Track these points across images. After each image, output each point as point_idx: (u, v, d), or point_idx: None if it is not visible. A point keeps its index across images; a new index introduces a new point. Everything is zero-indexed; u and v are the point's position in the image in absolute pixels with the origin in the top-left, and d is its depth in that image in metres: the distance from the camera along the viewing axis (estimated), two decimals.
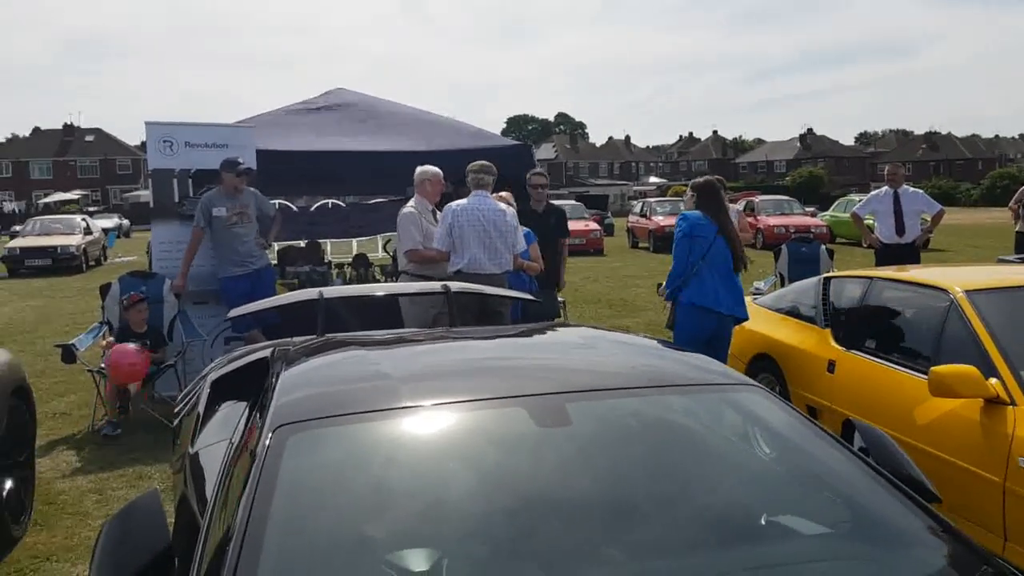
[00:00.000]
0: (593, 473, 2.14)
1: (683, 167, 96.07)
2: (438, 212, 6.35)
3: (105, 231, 26.11)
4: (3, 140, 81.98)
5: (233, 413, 2.96)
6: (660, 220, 23.65)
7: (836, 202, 27.63)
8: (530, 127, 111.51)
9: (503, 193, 6.41)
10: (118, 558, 1.89)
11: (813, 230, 21.26)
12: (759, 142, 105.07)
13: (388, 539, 1.90)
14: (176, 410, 3.82)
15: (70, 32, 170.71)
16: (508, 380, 2.47)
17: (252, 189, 6.92)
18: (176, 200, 7.08)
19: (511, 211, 5.95)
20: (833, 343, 4.93)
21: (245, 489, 1.93)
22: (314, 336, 3.43)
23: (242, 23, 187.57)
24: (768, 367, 5.40)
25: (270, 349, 3.19)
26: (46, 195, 58.12)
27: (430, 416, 2.18)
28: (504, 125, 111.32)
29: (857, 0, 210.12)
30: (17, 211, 50.82)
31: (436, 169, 6.33)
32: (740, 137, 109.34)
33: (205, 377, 3.69)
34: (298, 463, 2.05)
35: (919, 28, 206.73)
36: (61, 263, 20.74)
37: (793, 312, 5.56)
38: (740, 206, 16.34)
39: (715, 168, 71.69)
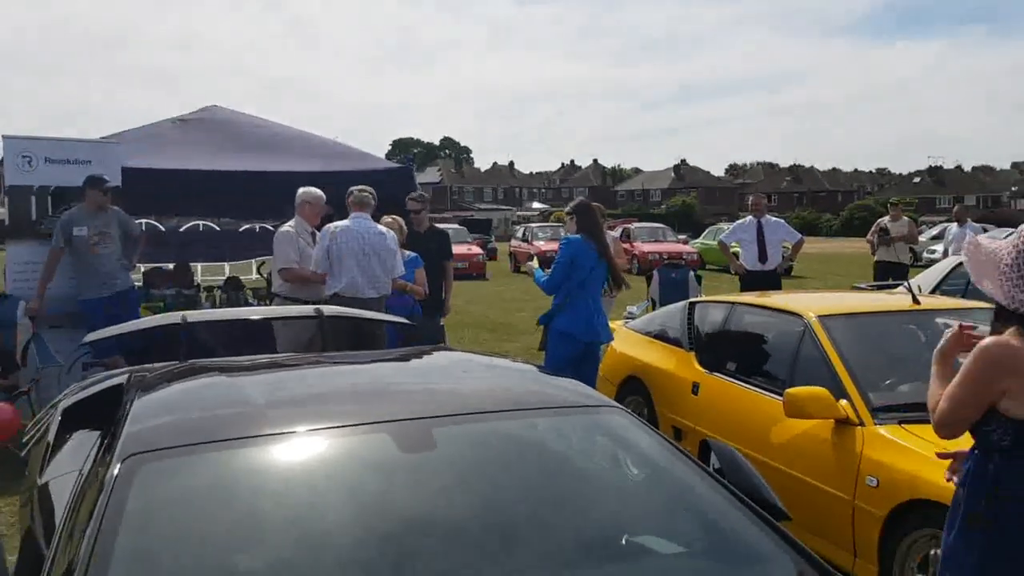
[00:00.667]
0: (459, 497, 2.15)
1: (565, 193, 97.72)
2: (317, 235, 6.28)
3: None
4: None
5: (84, 442, 2.82)
6: (542, 245, 24.12)
7: (707, 230, 28.81)
8: (415, 150, 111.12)
9: (393, 217, 6.38)
10: None
11: (685, 256, 22.06)
12: (636, 171, 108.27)
13: (243, 572, 1.86)
14: (25, 439, 3.62)
15: None
16: (372, 405, 2.46)
17: (116, 208, 6.64)
18: (34, 218, 6.72)
19: (391, 234, 5.92)
20: (697, 366, 5.12)
21: (91, 522, 1.86)
22: (175, 362, 3.32)
23: (122, 36, 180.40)
24: (637, 389, 5.55)
25: (125, 375, 3.07)
26: None
27: (290, 444, 2.14)
28: (389, 147, 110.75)
29: (738, 39, 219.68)
30: None
31: (318, 191, 6.25)
32: (619, 166, 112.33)
33: (56, 405, 3.52)
34: (149, 494, 1.98)
35: (788, 66, 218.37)
36: None
37: (661, 336, 5.74)
38: (616, 232, 16.82)
39: (595, 195, 73.05)
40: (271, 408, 2.38)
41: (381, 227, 5.90)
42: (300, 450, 2.15)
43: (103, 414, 2.74)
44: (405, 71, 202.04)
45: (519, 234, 28.43)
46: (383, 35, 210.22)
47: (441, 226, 8.76)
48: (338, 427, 2.22)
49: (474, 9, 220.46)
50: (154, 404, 2.52)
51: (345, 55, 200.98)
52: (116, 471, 1.99)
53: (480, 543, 1.98)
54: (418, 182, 8.59)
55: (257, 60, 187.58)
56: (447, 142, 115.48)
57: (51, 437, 3.18)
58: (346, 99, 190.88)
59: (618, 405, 2.57)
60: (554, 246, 17.09)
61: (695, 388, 4.99)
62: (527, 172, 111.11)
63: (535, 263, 6.06)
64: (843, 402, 3.80)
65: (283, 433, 2.16)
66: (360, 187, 6.01)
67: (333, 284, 5.61)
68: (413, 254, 6.40)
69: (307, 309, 4.44)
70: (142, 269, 10.72)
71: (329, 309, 4.34)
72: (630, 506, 2.30)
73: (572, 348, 5.36)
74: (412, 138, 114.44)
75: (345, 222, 5.80)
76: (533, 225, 30.09)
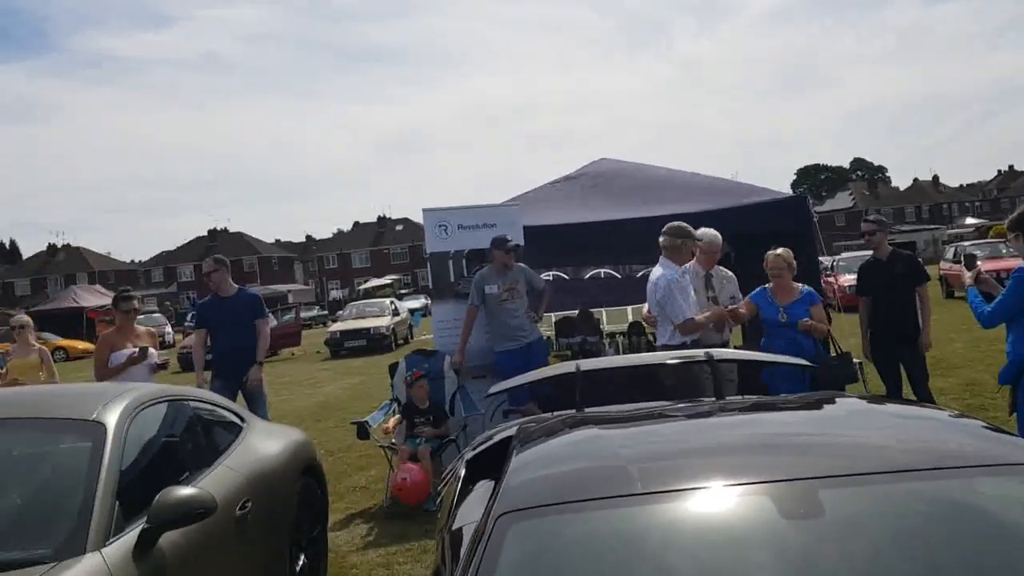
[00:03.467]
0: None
1: (1004, 204, 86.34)
2: (712, 277, 6.10)
3: (411, 311, 28.31)
4: (330, 235, 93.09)
5: (476, 495, 2.92)
6: (981, 265, 21.18)
7: None
8: (823, 176, 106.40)
9: (780, 250, 5.98)
10: None
11: None
12: None
13: None
14: (439, 488, 3.87)
15: (378, 136, 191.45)
16: (750, 463, 2.17)
17: (521, 265, 7.08)
18: (452, 280, 7.43)
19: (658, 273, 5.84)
20: None
21: None
22: (565, 411, 3.34)
23: (530, 106, 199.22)
24: None
25: (516, 428, 3.13)
26: (365, 281, 64.54)
27: (658, 507, 1.95)
28: (794, 177, 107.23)
29: None
30: (342, 297, 56.99)
31: (711, 233, 6.12)
32: None
33: (463, 455, 3.72)
34: (520, 555, 1.92)
35: None
36: (374, 343, 22.73)
37: None
38: None
39: None
40: (645, 462, 2.24)
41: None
42: (669, 513, 1.95)
43: (492, 467, 2.81)
44: (802, 97, 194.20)
45: (949, 255, 25.40)
46: (774, 63, 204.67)
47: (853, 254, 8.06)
48: (713, 487, 1.98)
49: (879, 16, 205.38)
50: (530, 460, 2.50)
51: (734, 90, 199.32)
52: (490, 529, 1.98)
53: None
54: (828, 209, 8.04)
55: (650, 109, 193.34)
56: (858, 163, 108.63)
57: (458, 486, 3.34)
58: (744, 135, 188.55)
59: None
60: (995, 265, 14.97)
61: None
62: (955, 185, 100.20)
63: (970, 278, 4.94)
64: None
65: (656, 492, 1.99)
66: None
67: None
68: (809, 288, 5.90)
69: (697, 353, 4.24)
70: (553, 319, 11.40)
71: (719, 352, 4.09)
72: None
73: None
74: (819, 164, 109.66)
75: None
76: (966, 244, 26.67)
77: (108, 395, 3.52)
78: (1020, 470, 2.01)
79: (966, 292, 4.55)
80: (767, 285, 6.04)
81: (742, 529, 1.90)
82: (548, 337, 9.28)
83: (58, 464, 3.23)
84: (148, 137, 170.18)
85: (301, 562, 4.54)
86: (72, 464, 3.10)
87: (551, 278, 9.45)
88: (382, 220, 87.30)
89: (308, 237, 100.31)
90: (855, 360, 7.95)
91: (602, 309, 12.09)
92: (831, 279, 21.48)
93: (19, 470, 3.24)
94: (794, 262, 5.96)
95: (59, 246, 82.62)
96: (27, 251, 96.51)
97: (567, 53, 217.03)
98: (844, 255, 26.75)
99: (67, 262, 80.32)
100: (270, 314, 27.33)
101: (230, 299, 7.15)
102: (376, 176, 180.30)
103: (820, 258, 9.87)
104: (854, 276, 7.26)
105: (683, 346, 5.46)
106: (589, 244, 8.43)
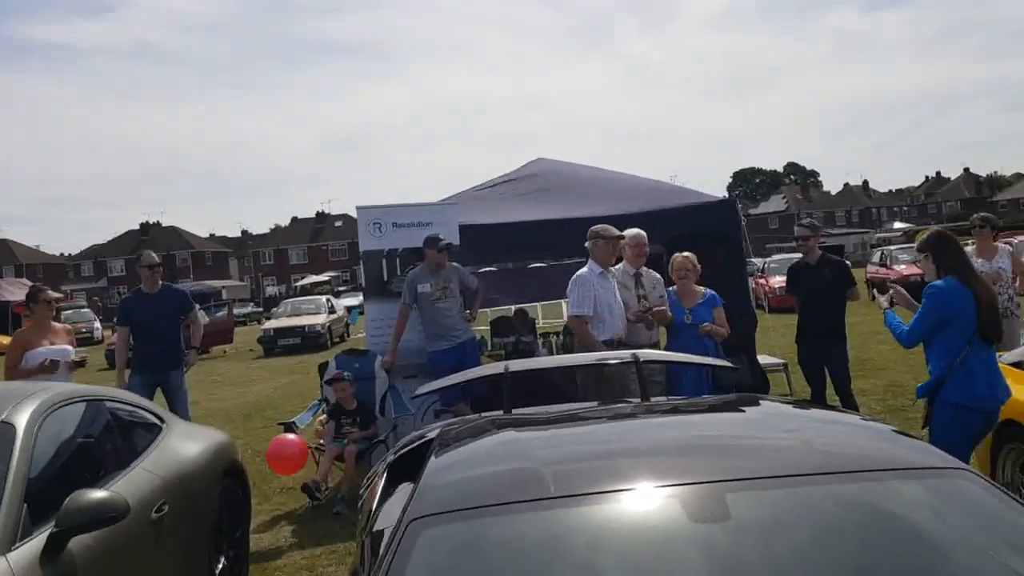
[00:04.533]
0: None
1: (931, 210, 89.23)
2: (642, 276, 6.20)
3: (348, 309, 28.00)
4: (267, 231, 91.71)
5: (395, 499, 2.90)
6: (902, 269, 21.78)
7: None
8: (757, 180, 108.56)
9: (685, 256, 6.17)
10: None
11: None
12: (1020, 177, 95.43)
13: None
14: (360, 491, 3.84)
15: (325, 131, 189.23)
16: (664, 466, 2.20)
17: (455, 264, 7.06)
18: (386, 279, 7.37)
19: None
20: None
21: None
22: (486, 414, 3.35)
23: (480, 106, 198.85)
24: (1017, 435, 4.62)
25: (437, 430, 3.12)
26: (302, 278, 63.74)
27: (578, 509, 1.96)
28: (729, 180, 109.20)
29: None
30: (278, 294, 56.15)
31: (634, 230, 6.22)
32: (996, 172, 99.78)
33: (385, 458, 3.69)
34: (430, 560, 1.91)
35: None
36: (309, 341, 22.42)
37: None
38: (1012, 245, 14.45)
39: (970, 209, 65.80)
40: (557, 467, 2.24)
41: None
42: (580, 517, 1.96)
43: (414, 469, 2.79)
44: (741, 100, 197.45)
45: (875, 258, 26.12)
46: (720, 67, 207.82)
47: (785, 256, 8.26)
48: (624, 490, 2.00)
49: (815, 24, 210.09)
50: (447, 463, 2.49)
51: (680, 92, 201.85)
52: (400, 535, 1.97)
53: None
54: (762, 212, 8.20)
55: (597, 109, 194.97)
56: (792, 167, 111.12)
57: (380, 488, 3.31)
58: (682, 136, 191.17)
59: (969, 468, 2.06)
60: (917, 269, 15.40)
61: None
62: (884, 190, 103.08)
63: (885, 301, 4.75)
64: None
65: (563, 497, 1.99)
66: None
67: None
68: (711, 292, 6.06)
69: (624, 354, 4.28)
70: (489, 317, 11.38)
71: (644, 353, 4.14)
72: None
73: (969, 421, 4.20)
74: (753, 167, 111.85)
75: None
76: (892, 248, 27.45)
77: (19, 395, 3.41)
78: (924, 474, 2.07)
79: (883, 317, 4.64)
80: (671, 288, 6.23)
81: (651, 532, 1.92)
82: (482, 337, 9.27)
83: None
84: (83, 129, 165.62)
85: (221, 564, 4.46)
86: None
87: (487, 272, 9.41)
88: (321, 216, 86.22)
89: (244, 232, 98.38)
90: (781, 361, 8.16)
91: (538, 305, 12.10)
92: (762, 281, 21.98)
93: None
94: (698, 265, 6.16)
95: None
96: None
97: (522, 51, 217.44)
98: (775, 257, 27.31)
99: None
100: (202, 310, 26.81)
101: (155, 296, 7.02)
102: (321, 173, 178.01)
103: (752, 259, 10.07)
104: (784, 278, 7.45)
105: (611, 344, 5.54)
106: (524, 244, 8.42)
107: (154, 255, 7.34)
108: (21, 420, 3.17)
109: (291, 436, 6.48)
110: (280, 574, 5.15)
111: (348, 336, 25.49)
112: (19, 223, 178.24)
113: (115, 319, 7.42)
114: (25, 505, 2.88)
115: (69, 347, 6.34)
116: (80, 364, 6.33)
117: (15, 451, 3.02)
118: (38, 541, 2.81)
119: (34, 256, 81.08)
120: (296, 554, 5.48)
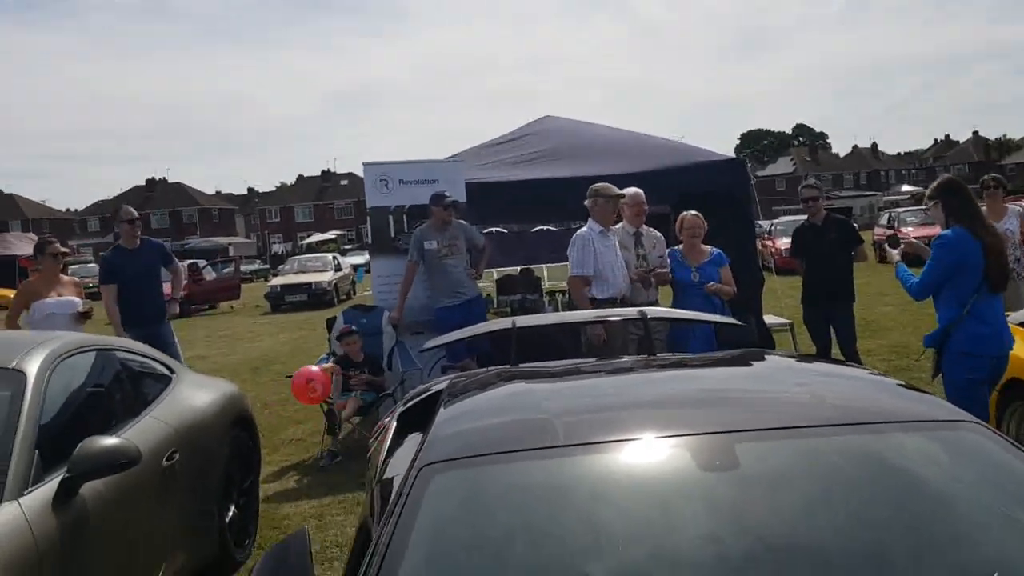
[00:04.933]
0: (768, 521, 1.84)
1: (940, 172, 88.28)
2: (642, 235, 6.18)
3: (354, 267, 28.02)
4: (273, 188, 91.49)
5: (408, 448, 2.93)
6: (910, 231, 21.67)
7: None
8: (765, 141, 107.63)
9: (695, 214, 6.14)
10: None
11: None
12: None
13: None
14: (370, 441, 3.87)
15: (329, 89, 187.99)
16: (671, 416, 2.21)
17: (461, 221, 7.04)
18: (392, 235, 7.36)
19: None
20: None
21: (384, 532, 1.86)
22: (499, 367, 3.36)
23: (486, 64, 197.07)
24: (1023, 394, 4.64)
25: (446, 382, 3.14)
26: (308, 236, 63.65)
27: (588, 457, 1.97)
28: (737, 141, 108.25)
29: None
30: (284, 252, 56.18)
31: (633, 189, 6.19)
32: (1005, 136, 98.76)
33: (395, 409, 3.72)
34: (441, 506, 1.93)
35: None
36: (315, 298, 22.48)
37: None
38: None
39: (978, 172, 65.31)
40: (566, 417, 2.25)
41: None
42: (590, 466, 1.98)
43: (423, 420, 2.82)
44: (752, 60, 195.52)
45: (883, 220, 26.00)
46: (731, 25, 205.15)
47: (791, 218, 8.25)
48: (634, 440, 2.01)
49: None
50: (457, 413, 2.51)
51: (689, 51, 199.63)
52: (412, 482, 1.98)
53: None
54: (769, 174, 8.16)
55: (604, 68, 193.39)
56: (800, 129, 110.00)
57: (389, 439, 3.34)
58: (692, 98, 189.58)
59: (977, 420, 2.07)
60: (924, 232, 15.34)
61: None
62: (893, 153, 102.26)
63: (897, 254, 4.80)
64: None
65: (573, 446, 2.01)
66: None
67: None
68: (717, 250, 6.04)
69: (631, 311, 4.30)
70: (495, 276, 11.38)
71: (652, 310, 4.15)
72: (991, 546, 1.81)
73: (978, 366, 4.21)
74: (762, 129, 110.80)
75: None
76: (900, 209, 27.32)
77: (30, 343, 3.43)
78: (932, 426, 2.08)
79: (896, 269, 4.63)
80: (677, 247, 6.19)
81: (660, 481, 1.94)
82: (488, 295, 9.27)
83: None
84: (87, 84, 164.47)
85: (231, 513, 4.51)
86: None
87: (494, 233, 9.42)
88: (326, 174, 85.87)
89: (250, 190, 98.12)
90: (787, 321, 8.16)
91: (543, 266, 12.12)
92: (768, 242, 21.89)
93: None
94: (705, 224, 6.13)
95: None
96: None
97: (531, 9, 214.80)
98: (782, 219, 27.18)
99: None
100: (209, 266, 26.71)
101: (136, 251, 7.03)
102: (325, 130, 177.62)
103: (758, 221, 10.02)
104: (791, 240, 7.42)
105: (614, 303, 5.54)
106: (531, 202, 8.39)
107: (132, 209, 7.29)
108: (32, 368, 3.19)
109: (315, 367, 6.55)
110: (289, 523, 5.21)
111: (355, 293, 25.53)
112: (25, 177, 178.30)
113: (99, 278, 7.35)
114: (37, 451, 2.91)
115: (76, 299, 6.36)
116: (87, 315, 6.36)
117: (26, 398, 3.04)
118: (50, 487, 2.85)
119: (40, 211, 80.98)
120: (305, 503, 5.55)
